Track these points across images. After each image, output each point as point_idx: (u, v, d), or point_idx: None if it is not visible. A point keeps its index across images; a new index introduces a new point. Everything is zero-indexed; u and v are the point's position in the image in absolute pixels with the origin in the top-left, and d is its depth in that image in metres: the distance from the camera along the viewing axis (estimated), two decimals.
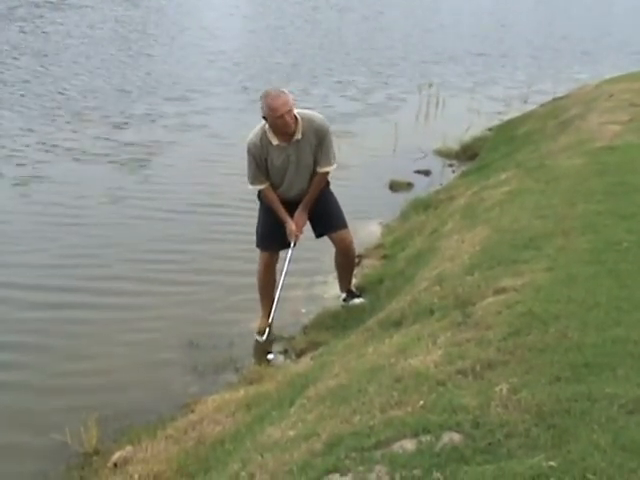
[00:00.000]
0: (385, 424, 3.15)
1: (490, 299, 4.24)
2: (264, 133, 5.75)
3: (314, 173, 5.96)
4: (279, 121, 5.55)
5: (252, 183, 5.99)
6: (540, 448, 2.80)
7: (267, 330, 5.98)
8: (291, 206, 6.03)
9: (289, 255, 6.08)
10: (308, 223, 6.17)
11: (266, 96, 5.54)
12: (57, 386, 5.42)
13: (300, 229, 6.02)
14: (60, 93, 14.22)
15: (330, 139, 5.90)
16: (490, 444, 2.86)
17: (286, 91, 5.61)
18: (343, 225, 6.23)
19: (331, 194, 6.24)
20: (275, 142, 5.75)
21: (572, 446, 2.78)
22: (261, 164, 5.86)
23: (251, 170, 5.90)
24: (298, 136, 5.73)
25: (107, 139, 11.57)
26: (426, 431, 3.00)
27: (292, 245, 6.06)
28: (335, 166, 6.01)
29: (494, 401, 3.12)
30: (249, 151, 5.84)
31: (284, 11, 26.53)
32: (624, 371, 3.22)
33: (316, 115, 5.92)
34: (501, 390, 3.19)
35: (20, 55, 17.34)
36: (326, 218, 6.17)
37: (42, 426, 4.86)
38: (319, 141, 5.82)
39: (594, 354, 3.38)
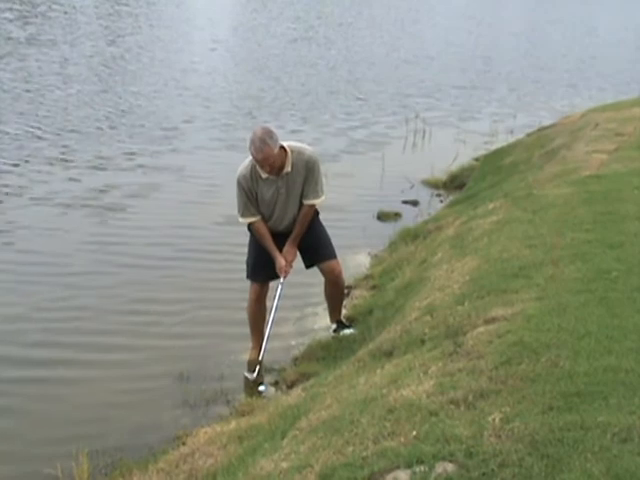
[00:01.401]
0: (378, 455, 3.14)
1: (481, 328, 4.25)
2: (254, 166, 5.78)
3: (301, 207, 5.99)
4: (264, 168, 5.69)
5: (242, 215, 6.00)
6: (534, 478, 2.81)
7: (257, 368, 5.93)
8: (281, 238, 6.04)
9: (279, 291, 6.06)
10: (298, 255, 6.17)
11: (251, 143, 5.57)
12: (48, 420, 5.38)
13: (290, 264, 6.01)
14: (30, 133, 13.38)
15: (319, 171, 5.94)
16: (484, 474, 2.87)
17: (270, 136, 5.57)
18: (332, 255, 6.25)
19: (320, 224, 6.27)
20: (264, 175, 5.79)
21: (566, 475, 2.79)
22: (251, 197, 5.88)
23: (241, 203, 5.92)
24: (288, 169, 5.77)
25: (82, 182, 10.92)
26: (419, 462, 3.00)
27: (281, 280, 6.05)
28: (323, 198, 6.03)
29: (487, 431, 3.13)
30: (239, 184, 5.86)
31: (265, 45, 26.57)
32: (616, 400, 3.24)
33: (306, 147, 5.97)
34: (494, 420, 3.20)
35: None
36: (315, 249, 6.19)
37: (33, 460, 4.83)
38: (308, 173, 5.85)
39: (586, 383, 3.40)
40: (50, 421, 5.36)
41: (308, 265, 6.30)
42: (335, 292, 6.40)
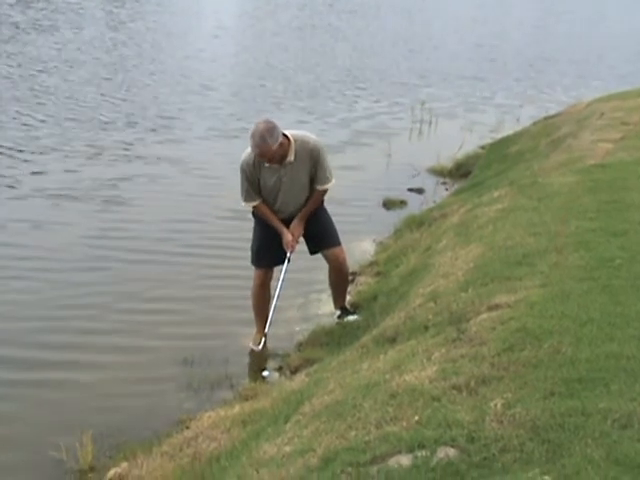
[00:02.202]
0: (380, 439, 3.17)
1: (484, 315, 4.26)
2: (255, 157, 5.82)
3: (312, 191, 6.05)
4: (265, 160, 5.75)
5: (245, 200, 6.07)
6: (535, 462, 2.83)
7: (263, 340, 6.03)
8: (286, 224, 6.09)
9: (285, 266, 6.12)
10: (302, 240, 6.20)
11: (252, 137, 5.62)
12: (53, 403, 5.42)
13: (296, 239, 6.08)
14: (25, 124, 13.02)
15: (325, 157, 5.99)
16: (485, 459, 2.89)
17: (271, 133, 5.59)
18: (337, 242, 6.30)
19: (325, 212, 6.32)
20: (267, 164, 5.84)
21: (566, 460, 2.81)
22: (253, 182, 5.94)
23: (244, 188, 5.99)
24: (291, 158, 5.82)
25: (79, 173, 10.71)
26: (421, 446, 3.02)
27: (288, 257, 6.10)
28: (334, 182, 6.11)
29: (489, 416, 3.15)
30: (242, 170, 5.92)
31: (270, 33, 26.50)
32: (617, 386, 3.26)
33: (309, 136, 6.00)
34: (495, 405, 3.22)
35: None
36: (320, 236, 6.24)
37: (38, 443, 4.88)
38: (314, 161, 5.91)
39: (588, 369, 3.42)
40: (55, 406, 5.39)
41: (313, 251, 6.36)
42: (339, 279, 6.43)
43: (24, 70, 17.03)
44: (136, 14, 28.19)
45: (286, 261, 6.13)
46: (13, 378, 5.76)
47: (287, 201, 6.02)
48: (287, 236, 6.01)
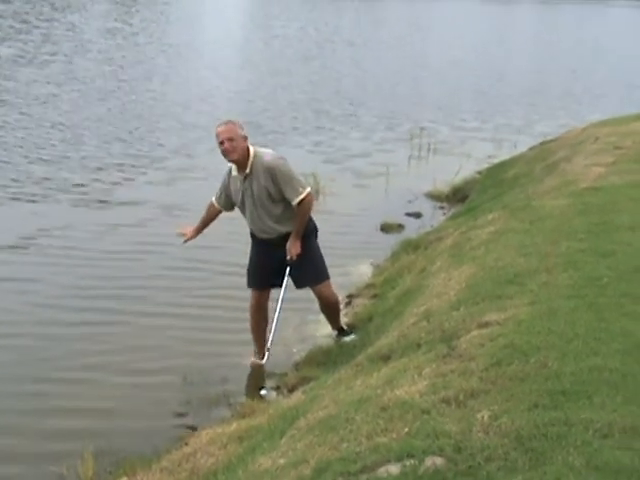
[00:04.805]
0: (371, 450, 3.28)
1: (474, 332, 4.39)
2: (232, 165, 6.05)
3: (284, 213, 6.04)
4: (221, 147, 5.85)
5: (215, 196, 6.34)
6: (518, 470, 2.94)
7: (266, 354, 6.10)
8: (272, 247, 6.16)
9: (285, 281, 6.17)
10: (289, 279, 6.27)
11: (218, 125, 5.91)
12: (55, 420, 5.53)
13: (295, 253, 6.07)
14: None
15: (285, 172, 5.92)
16: (471, 467, 3.00)
17: (236, 122, 5.93)
18: (322, 279, 6.34)
19: (313, 245, 6.28)
20: (234, 173, 6.04)
21: (548, 468, 2.92)
22: (224, 188, 6.21)
23: (219, 187, 6.28)
24: (247, 170, 5.92)
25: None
26: (410, 456, 3.13)
27: (286, 273, 6.16)
28: (308, 190, 6.04)
29: (475, 427, 3.26)
30: (224, 174, 6.22)
31: (269, 63, 26.72)
32: (600, 398, 3.37)
33: (267, 153, 6.02)
34: (482, 417, 3.34)
35: None
36: (305, 272, 6.23)
37: (40, 458, 4.99)
38: (274, 179, 5.90)
39: (572, 382, 3.54)
40: (57, 422, 5.51)
41: (298, 286, 6.37)
42: (328, 310, 6.55)
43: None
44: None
45: (286, 276, 6.18)
46: (17, 391, 5.90)
47: (256, 218, 6.07)
48: (186, 233, 6.37)
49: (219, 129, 5.84)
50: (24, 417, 5.54)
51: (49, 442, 5.21)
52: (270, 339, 6.12)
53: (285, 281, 6.18)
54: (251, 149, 5.91)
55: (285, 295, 6.19)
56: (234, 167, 6.00)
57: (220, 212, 6.36)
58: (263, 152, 5.98)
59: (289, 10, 47.15)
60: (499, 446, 3.09)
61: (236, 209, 6.31)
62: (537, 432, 3.15)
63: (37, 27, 29.47)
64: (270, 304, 6.39)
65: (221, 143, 5.81)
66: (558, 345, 3.93)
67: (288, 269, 6.15)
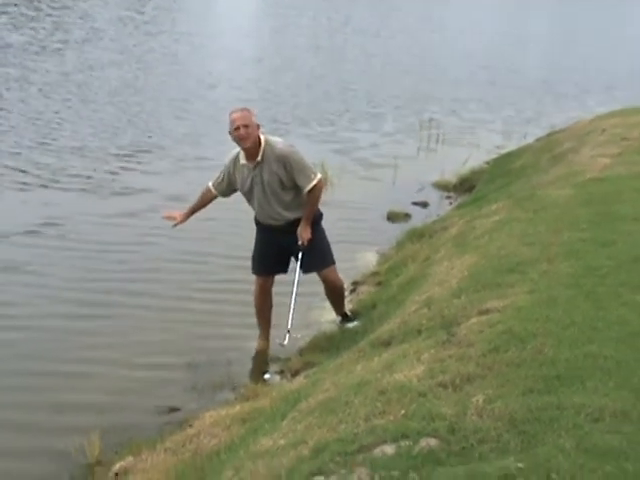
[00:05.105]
0: (368, 431, 3.36)
1: (474, 319, 4.46)
2: (238, 153, 6.11)
3: (294, 201, 6.14)
4: (235, 133, 5.89)
5: (213, 180, 6.38)
6: (510, 452, 3.02)
7: (287, 335, 6.15)
8: (278, 234, 6.26)
9: (298, 264, 6.25)
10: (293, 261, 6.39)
11: (233, 111, 5.96)
12: (63, 403, 5.66)
13: (305, 241, 6.16)
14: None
15: (297, 160, 6.02)
16: (464, 448, 3.08)
17: (251, 110, 5.99)
18: (328, 263, 6.43)
19: (320, 230, 6.38)
20: (243, 161, 6.08)
21: (539, 449, 3.00)
22: (227, 175, 6.23)
23: (219, 174, 6.30)
24: (258, 158, 5.99)
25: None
26: (405, 437, 3.22)
27: (300, 255, 6.23)
28: (319, 177, 6.14)
29: (470, 410, 3.34)
30: (226, 162, 6.25)
31: (279, 52, 26.72)
32: (593, 383, 3.45)
33: (279, 142, 6.11)
34: (477, 401, 3.42)
35: None
36: (312, 257, 6.31)
37: (48, 439, 5.13)
38: (285, 167, 5.99)
39: (566, 368, 3.62)
40: (67, 404, 5.64)
41: (305, 271, 6.41)
42: (333, 295, 6.64)
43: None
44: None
45: (298, 263, 6.25)
46: (35, 369, 6.08)
47: (265, 205, 6.14)
48: (174, 217, 6.40)
49: (235, 115, 5.89)
50: (33, 401, 5.68)
51: (57, 425, 5.34)
52: (290, 321, 6.14)
53: (298, 265, 6.25)
54: (262, 137, 5.98)
55: (300, 278, 6.27)
56: (242, 155, 6.06)
57: (215, 198, 6.43)
58: (275, 140, 6.07)
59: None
60: (492, 429, 3.17)
61: (233, 196, 6.40)
62: (530, 416, 3.23)
63: (49, 15, 29.52)
64: (279, 289, 6.50)
65: (237, 129, 5.85)
66: (555, 332, 4.00)
67: (300, 254, 6.22)
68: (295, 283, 6.24)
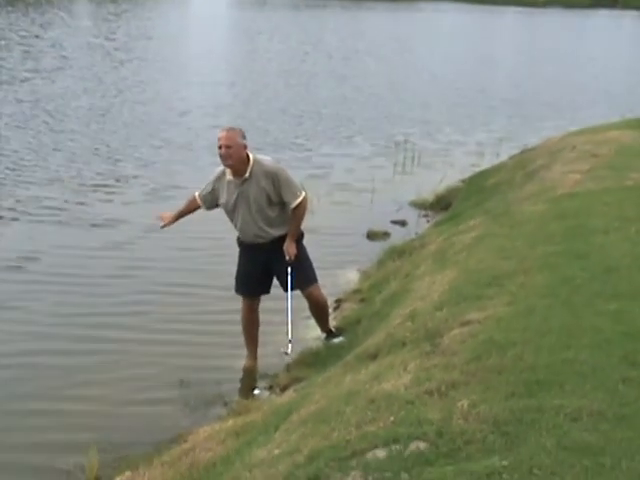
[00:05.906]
0: (360, 438, 3.54)
1: (456, 331, 4.67)
2: (224, 170, 6.32)
3: (278, 217, 6.33)
4: (219, 151, 6.14)
5: (199, 191, 6.56)
6: (495, 451, 3.22)
7: (290, 345, 6.32)
8: (258, 250, 6.43)
9: (289, 280, 6.40)
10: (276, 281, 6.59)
11: (221, 130, 6.22)
12: (61, 421, 5.81)
13: (293, 253, 6.35)
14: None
15: (284, 177, 6.26)
16: (452, 450, 3.28)
17: (238, 130, 6.22)
18: (312, 281, 6.62)
19: (302, 249, 6.56)
20: (228, 177, 6.28)
21: (522, 448, 3.21)
22: (212, 189, 6.42)
23: (205, 186, 6.49)
24: (246, 175, 6.20)
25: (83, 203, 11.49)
26: (396, 441, 3.41)
27: (290, 273, 6.38)
28: (304, 194, 6.36)
29: (456, 414, 3.54)
30: (214, 174, 6.44)
31: (259, 76, 26.93)
32: (571, 386, 3.67)
33: (267, 159, 6.37)
34: (462, 405, 3.62)
35: None
36: (296, 275, 6.46)
37: (47, 456, 5.26)
38: (274, 183, 6.21)
39: (545, 373, 3.83)
40: (65, 422, 5.80)
41: (286, 289, 6.55)
42: (317, 311, 6.81)
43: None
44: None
45: (289, 277, 6.39)
46: (30, 392, 6.19)
47: (247, 221, 6.31)
48: (165, 218, 6.62)
49: (220, 134, 6.14)
50: (32, 418, 5.81)
51: (56, 442, 5.48)
52: (290, 331, 6.33)
53: (289, 280, 6.41)
54: (251, 156, 6.22)
55: (292, 293, 6.44)
56: (229, 171, 6.26)
57: (199, 208, 6.61)
58: (262, 158, 6.32)
59: (271, 23, 47.41)
60: (477, 431, 3.36)
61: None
62: (513, 418, 3.43)
63: (19, 44, 29.56)
64: (265, 305, 6.69)
65: (219, 148, 6.12)
66: (534, 340, 4.22)
67: (290, 268, 6.39)
68: (288, 297, 6.41)
